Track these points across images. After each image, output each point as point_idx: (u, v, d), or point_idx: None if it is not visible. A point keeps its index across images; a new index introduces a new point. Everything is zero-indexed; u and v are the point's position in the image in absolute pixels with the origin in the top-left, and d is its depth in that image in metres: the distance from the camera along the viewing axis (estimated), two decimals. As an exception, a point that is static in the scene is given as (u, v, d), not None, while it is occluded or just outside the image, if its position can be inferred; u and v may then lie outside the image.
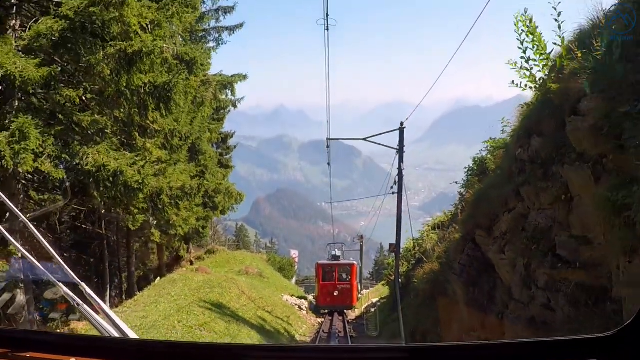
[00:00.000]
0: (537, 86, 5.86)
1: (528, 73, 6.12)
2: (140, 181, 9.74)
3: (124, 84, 10.66)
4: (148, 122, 11.90)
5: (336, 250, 29.15)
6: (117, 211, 14.19)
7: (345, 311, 24.31)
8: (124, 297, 20.21)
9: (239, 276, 22.74)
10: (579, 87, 5.05)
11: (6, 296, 10.28)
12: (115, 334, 1.78)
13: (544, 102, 5.55)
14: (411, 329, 9.82)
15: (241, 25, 27.06)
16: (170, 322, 10.58)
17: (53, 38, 10.44)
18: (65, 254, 16.03)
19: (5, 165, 8.82)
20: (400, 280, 17.15)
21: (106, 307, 1.89)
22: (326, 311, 24.10)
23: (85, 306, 1.86)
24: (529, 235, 5.60)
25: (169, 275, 19.94)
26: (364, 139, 17.54)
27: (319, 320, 22.69)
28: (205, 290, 15.17)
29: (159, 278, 23.09)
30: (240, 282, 19.70)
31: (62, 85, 10.56)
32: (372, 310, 24.28)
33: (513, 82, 6.09)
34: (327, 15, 12.61)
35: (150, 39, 10.49)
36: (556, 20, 5.60)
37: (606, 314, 4.53)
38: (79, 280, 1.99)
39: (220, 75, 26.06)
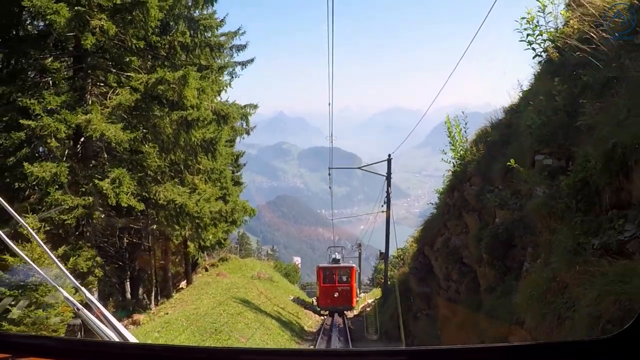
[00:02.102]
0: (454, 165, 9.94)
1: (453, 154, 10.22)
2: (198, 211, 13.73)
3: (182, 140, 14.66)
4: (196, 163, 15.90)
5: (336, 253, 30.01)
6: (166, 229, 18.08)
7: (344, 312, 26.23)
8: (158, 297, 24.11)
9: (253, 280, 26.58)
10: (470, 170, 9.12)
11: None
12: (115, 338, 1.80)
13: (456, 175, 9.62)
14: (390, 314, 13.81)
15: (252, 60, 30.90)
16: (217, 311, 14.53)
17: (130, 106, 14.42)
18: (118, 263, 19.93)
19: (110, 203, 12.80)
20: (389, 282, 21.13)
21: (106, 312, 1.89)
22: (326, 312, 25.97)
23: (85, 311, 1.89)
24: (449, 251, 9.62)
25: (201, 279, 23.88)
26: (359, 168, 21.61)
27: (322, 317, 26.14)
28: (234, 290, 19.20)
29: (184, 282, 27.06)
30: (257, 284, 23.70)
31: (140, 141, 14.51)
32: (368, 309, 27.80)
33: (442, 159, 10.17)
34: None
35: (203, 107, 14.45)
36: (464, 127, 9.70)
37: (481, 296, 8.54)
38: (79, 285, 2.02)
39: (235, 106, 30.09)
